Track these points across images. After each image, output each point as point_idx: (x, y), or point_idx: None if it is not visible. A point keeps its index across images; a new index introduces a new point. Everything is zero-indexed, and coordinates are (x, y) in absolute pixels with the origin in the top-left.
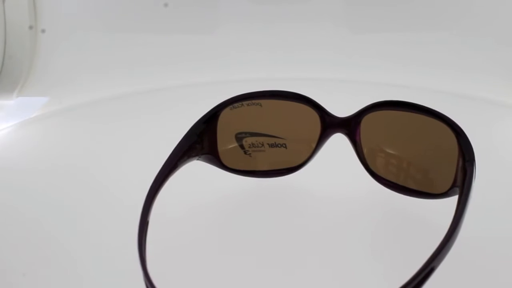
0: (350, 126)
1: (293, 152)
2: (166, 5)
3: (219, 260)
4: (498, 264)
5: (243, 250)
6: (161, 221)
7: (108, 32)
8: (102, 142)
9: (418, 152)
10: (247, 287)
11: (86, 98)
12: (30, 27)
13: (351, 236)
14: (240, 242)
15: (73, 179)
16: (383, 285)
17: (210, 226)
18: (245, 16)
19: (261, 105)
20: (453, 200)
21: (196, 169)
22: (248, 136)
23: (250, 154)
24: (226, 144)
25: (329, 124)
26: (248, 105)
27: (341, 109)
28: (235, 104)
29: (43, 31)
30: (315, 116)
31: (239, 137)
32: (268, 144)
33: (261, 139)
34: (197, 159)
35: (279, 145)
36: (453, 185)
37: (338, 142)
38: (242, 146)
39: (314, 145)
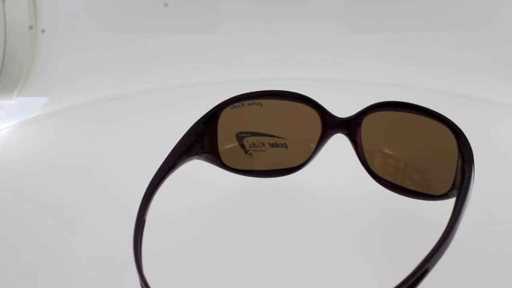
0: (350, 127)
1: (294, 152)
2: (166, 5)
3: (218, 260)
4: (498, 264)
5: (243, 250)
6: (161, 221)
7: (108, 32)
8: (102, 142)
9: (418, 153)
10: (247, 287)
11: (86, 98)
12: (30, 27)
13: (351, 236)
14: (240, 242)
15: (73, 179)
16: (383, 285)
17: (210, 225)
18: (245, 16)
19: (262, 105)
20: (453, 202)
21: (196, 168)
22: (249, 135)
23: (251, 153)
24: (226, 143)
25: (330, 124)
26: (249, 105)
27: (341, 109)
28: (236, 104)
29: (43, 31)
30: (315, 116)
31: (240, 137)
32: (269, 144)
33: (262, 139)
34: (197, 158)
35: (280, 145)
36: (453, 186)
37: (339, 142)
38: (243, 146)
39: (314, 146)
